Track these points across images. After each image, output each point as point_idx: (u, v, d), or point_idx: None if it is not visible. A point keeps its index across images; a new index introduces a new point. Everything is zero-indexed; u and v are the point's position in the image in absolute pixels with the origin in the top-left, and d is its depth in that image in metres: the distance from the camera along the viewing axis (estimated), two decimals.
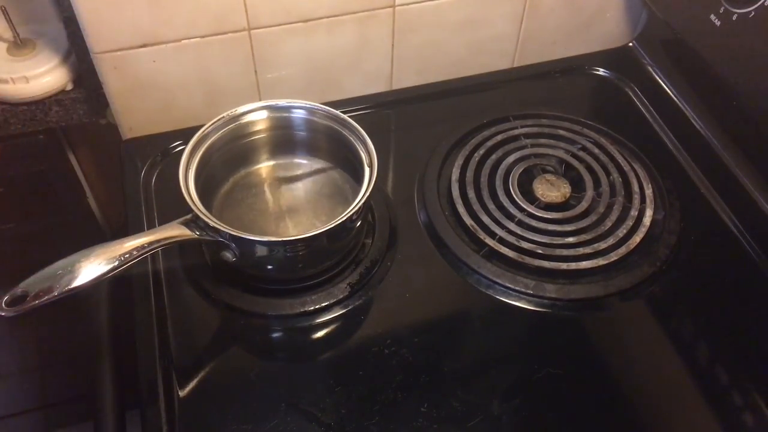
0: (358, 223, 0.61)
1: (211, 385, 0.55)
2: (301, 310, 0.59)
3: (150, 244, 0.53)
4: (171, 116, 0.74)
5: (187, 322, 0.60)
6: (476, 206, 0.66)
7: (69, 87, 0.73)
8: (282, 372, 0.57)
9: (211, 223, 0.54)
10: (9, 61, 0.72)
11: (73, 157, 0.82)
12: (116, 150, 0.75)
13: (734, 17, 0.61)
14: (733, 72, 0.64)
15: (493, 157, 0.71)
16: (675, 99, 0.79)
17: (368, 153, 0.60)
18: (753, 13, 0.59)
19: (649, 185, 0.69)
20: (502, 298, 0.61)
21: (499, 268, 0.62)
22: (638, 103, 0.81)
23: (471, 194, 0.68)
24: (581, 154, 0.72)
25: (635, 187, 0.69)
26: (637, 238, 0.64)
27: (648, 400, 0.56)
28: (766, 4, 0.58)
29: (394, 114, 0.79)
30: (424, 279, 0.63)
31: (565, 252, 0.63)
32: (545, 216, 0.66)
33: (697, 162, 0.73)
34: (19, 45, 0.72)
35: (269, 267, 0.60)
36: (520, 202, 0.67)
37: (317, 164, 0.69)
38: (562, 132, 0.75)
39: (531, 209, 0.66)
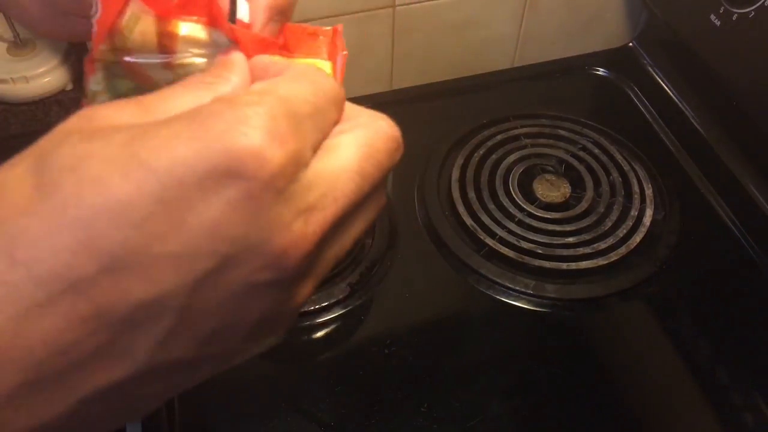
0: None
1: (211, 385, 0.55)
2: (301, 310, 0.59)
3: None
4: None
5: None
6: (476, 206, 0.66)
7: (69, 87, 0.73)
8: (282, 372, 0.57)
9: None
10: (9, 61, 0.72)
11: None
12: None
13: (734, 17, 0.61)
14: (733, 72, 0.64)
15: (493, 157, 0.71)
16: (675, 99, 0.79)
17: None
18: (753, 13, 0.59)
19: (649, 185, 0.69)
20: (502, 298, 0.61)
21: (499, 268, 0.62)
22: (638, 103, 0.81)
23: (471, 194, 0.68)
24: (581, 154, 0.72)
25: (635, 187, 0.69)
26: (637, 238, 0.64)
27: (648, 399, 0.56)
28: (766, 4, 0.58)
29: (394, 114, 0.78)
30: (424, 279, 0.63)
31: (565, 252, 0.63)
32: (545, 216, 0.66)
33: (697, 162, 0.73)
34: (19, 45, 0.72)
35: None
36: (520, 202, 0.67)
37: None
38: (562, 132, 0.75)
39: (531, 209, 0.66)
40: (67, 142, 0.19)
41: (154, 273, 0.18)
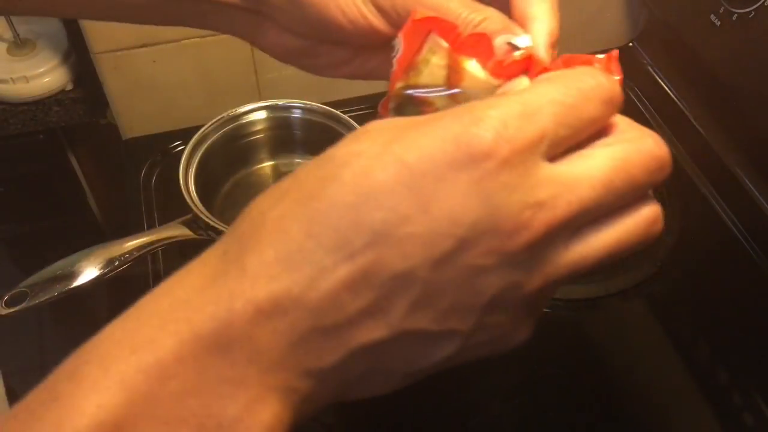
0: None
1: None
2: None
3: (150, 243, 0.53)
4: (171, 116, 0.74)
5: None
6: None
7: (69, 87, 0.73)
8: None
9: (211, 223, 0.54)
10: (9, 61, 0.72)
11: (73, 157, 0.82)
12: (116, 150, 0.75)
13: (734, 17, 0.61)
14: (733, 72, 0.64)
15: None
16: (675, 99, 0.78)
17: None
18: (753, 13, 0.59)
19: None
20: None
21: None
22: (638, 103, 0.81)
23: None
24: None
25: None
26: None
27: (648, 400, 0.56)
28: (766, 4, 0.58)
29: None
30: None
31: None
32: None
33: (697, 162, 0.73)
34: (19, 45, 0.72)
35: None
36: None
37: None
38: None
39: None
40: (344, 143, 0.24)
41: (406, 248, 0.22)
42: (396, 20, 0.33)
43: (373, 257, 0.22)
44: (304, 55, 0.39)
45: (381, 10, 0.33)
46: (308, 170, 0.24)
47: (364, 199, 0.22)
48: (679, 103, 0.78)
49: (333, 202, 0.23)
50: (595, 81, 0.25)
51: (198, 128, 0.61)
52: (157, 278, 0.62)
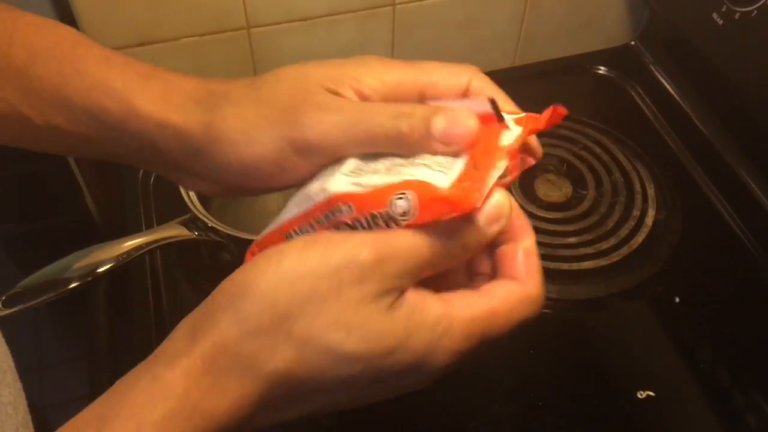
0: None
1: None
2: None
3: (148, 243, 0.53)
4: None
5: None
6: None
7: None
8: None
9: (210, 224, 0.54)
10: None
11: (72, 157, 0.81)
12: None
13: (736, 16, 0.61)
14: (736, 71, 0.64)
15: None
16: (677, 98, 0.78)
17: None
18: (755, 12, 0.59)
19: (651, 185, 0.69)
20: None
21: None
22: (640, 102, 0.80)
23: None
24: (583, 153, 0.71)
25: (637, 187, 0.68)
26: (639, 238, 0.64)
27: (649, 400, 0.55)
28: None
29: None
30: None
31: (566, 252, 0.62)
32: (547, 216, 0.65)
33: (700, 161, 0.73)
34: None
35: None
36: (521, 202, 0.66)
37: None
38: (563, 131, 0.74)
39: (532, 209, 0.66)
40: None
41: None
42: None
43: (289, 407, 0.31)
44: (236, 191, 0.36)
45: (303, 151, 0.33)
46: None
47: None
48: (681, 101, 0.78)
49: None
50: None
51: None
52: (155, 278, 0.61)
